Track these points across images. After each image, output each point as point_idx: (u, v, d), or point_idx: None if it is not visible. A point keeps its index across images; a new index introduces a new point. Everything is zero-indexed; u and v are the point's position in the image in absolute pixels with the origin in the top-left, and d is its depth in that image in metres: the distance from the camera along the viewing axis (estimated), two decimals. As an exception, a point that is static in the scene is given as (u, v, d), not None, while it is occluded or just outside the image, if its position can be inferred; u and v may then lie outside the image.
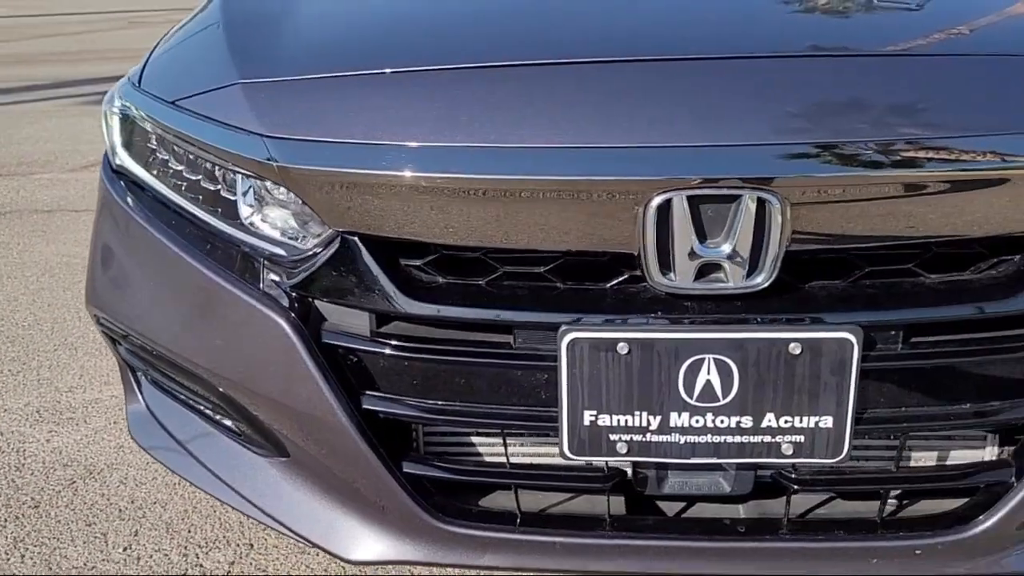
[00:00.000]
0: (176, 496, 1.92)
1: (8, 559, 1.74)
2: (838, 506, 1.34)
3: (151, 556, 1.75)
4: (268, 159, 1.24)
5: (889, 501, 1.32)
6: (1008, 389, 1.21)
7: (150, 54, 1.67)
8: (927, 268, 1.22)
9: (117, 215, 1.53)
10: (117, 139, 1.57)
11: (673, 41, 1.33)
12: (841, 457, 1.20)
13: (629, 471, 1.32)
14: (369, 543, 1.35)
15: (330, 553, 1.38)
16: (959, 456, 1.32)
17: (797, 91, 1.19)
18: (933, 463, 1.33)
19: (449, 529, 1.31)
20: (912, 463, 1.33)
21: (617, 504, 1.35)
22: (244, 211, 1.36)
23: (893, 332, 1.19)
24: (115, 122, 1.57)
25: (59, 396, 2.37)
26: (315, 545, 1.39)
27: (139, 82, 1.56)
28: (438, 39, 1.39)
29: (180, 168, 1.44)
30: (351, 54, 1.38)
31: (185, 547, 1.77)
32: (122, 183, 1.56)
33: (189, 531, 1.82)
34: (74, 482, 1.99)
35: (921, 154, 1.13)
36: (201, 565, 1.72)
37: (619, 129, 1.16)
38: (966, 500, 1.29)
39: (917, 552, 1.26)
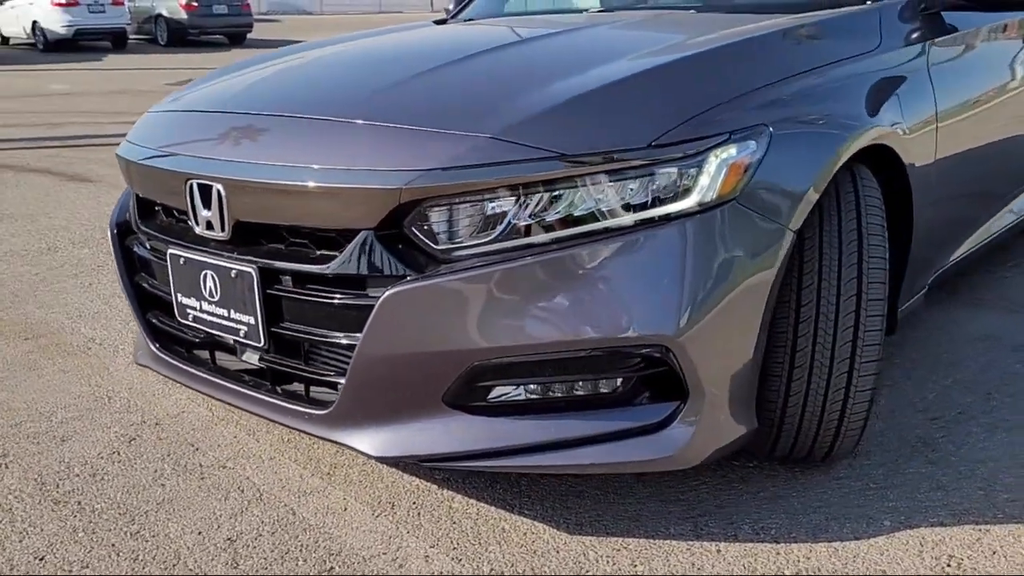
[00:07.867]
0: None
1: (88, 350, 3.26)
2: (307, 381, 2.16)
3: (164, 373, 3.12)
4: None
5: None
6: (323, 323, 1.98)
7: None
8: (318, 243, 2.01)
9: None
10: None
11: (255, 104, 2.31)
12: (263, 344, 2.08)
13: (231, 340, 2.30)
14: (144, 357, 2.55)
15: (134, 358, 2.60)
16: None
17: (270, 135, 2.11)
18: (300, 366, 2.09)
19: (161, 356, 2.45)
20: (314, 363, 2.10)
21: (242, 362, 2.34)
22: None
23: (286, 275, 2.03)
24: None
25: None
26: (133, 354, 2.62)
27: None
28: (211, 97, 2.52)
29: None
30: (180, 101, 2.57)
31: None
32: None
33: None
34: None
35: (287, 173, 1.98)
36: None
37: (197, 147, 2.20)
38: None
39: (306, 416, 2.06)
